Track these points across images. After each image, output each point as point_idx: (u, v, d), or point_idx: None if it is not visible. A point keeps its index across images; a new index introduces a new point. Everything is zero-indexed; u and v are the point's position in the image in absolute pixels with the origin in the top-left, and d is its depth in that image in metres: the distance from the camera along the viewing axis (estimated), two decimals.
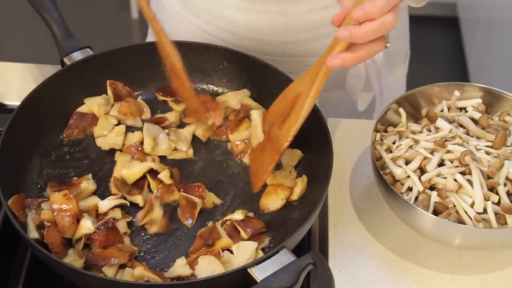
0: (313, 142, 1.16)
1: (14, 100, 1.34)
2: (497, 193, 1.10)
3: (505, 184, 1.11)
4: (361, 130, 1.33)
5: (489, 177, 1.11)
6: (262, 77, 1.24)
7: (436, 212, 1.10)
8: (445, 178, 1.12)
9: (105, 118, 1.22)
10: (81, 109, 1.23)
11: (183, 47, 1.26)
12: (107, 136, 1.20)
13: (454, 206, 1.10)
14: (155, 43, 1.27)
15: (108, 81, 1.24)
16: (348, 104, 1.49)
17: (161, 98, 1.27)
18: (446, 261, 1.17)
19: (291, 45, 1.37)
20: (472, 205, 1.09)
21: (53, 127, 1.21)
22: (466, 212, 1.09)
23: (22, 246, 1.13)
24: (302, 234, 1.06)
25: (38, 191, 1.14)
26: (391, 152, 1.18)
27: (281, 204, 1.13)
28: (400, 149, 1.17)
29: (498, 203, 1.10)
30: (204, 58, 1.27)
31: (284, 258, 0.97)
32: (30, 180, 1.15)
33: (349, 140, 1.31)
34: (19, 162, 1.14)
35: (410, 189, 1.13)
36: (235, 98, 1.25)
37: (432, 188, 1.13)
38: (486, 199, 1.09)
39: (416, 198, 1.12)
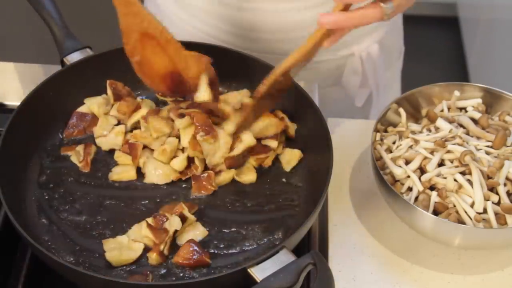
0: (313, 142, 1.16)
1: (14, 100, 1.34)
2: (497, 193, 1.10)
3: (505, 184, 1.11)
4: (361, 130, 1.33)
5: (489, 177, 1.11)
6: (262, 77, 1.24)
7: (436, 212, 1.10)
8: (445, 178, 1.12)
9: (105, 118, 1.22)
10: (81, 109, 1.23)
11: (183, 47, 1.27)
12: (107, 136, 1.20)
13: (454, 206, 1.10)
14: None
15: (108, 81, 1.24)
16: (346, 101, 1.49)
17: (161, 98, 1.27)
18: (446, 261, 1.17)
19: (284, 43, 1.38)
20: (472, 205, 1.09)
21: (53, 127, 1.21)
22: (466, 212, 1.09)
23: (22, 246, 1.13)
24: (302, 234, 1.06)
25: (38, 191, 1.14)
26: (391, 152, 1.18)
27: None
28: (400, 149, 1.17)
29: (498, 203, 1.10)
30: None
31: (284, 258, 0.97)
32: (30, 180, 1.15)
33: (349, 140, 1.31)
34: (19, 162, 1.14)
35: (410, 189, 1.13)
36: (235, 98, 1.25)
37: (432, 188, 1.13)
38: (486, 199, 1.09)
39: (416, 198, 1.12)
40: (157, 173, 1.15)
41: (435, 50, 3.20)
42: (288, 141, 1.21)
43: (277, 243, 1.09)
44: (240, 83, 1.27)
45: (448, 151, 1.14)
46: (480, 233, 1.07)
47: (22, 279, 1.07)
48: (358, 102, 1.48)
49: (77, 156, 1.18)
